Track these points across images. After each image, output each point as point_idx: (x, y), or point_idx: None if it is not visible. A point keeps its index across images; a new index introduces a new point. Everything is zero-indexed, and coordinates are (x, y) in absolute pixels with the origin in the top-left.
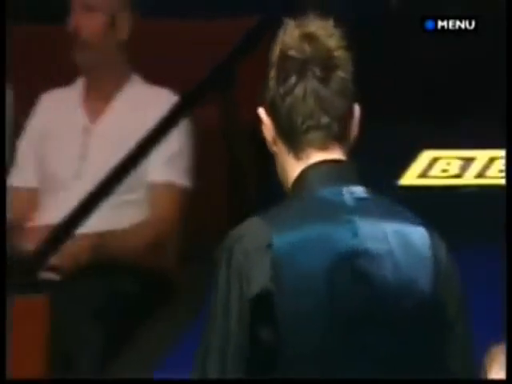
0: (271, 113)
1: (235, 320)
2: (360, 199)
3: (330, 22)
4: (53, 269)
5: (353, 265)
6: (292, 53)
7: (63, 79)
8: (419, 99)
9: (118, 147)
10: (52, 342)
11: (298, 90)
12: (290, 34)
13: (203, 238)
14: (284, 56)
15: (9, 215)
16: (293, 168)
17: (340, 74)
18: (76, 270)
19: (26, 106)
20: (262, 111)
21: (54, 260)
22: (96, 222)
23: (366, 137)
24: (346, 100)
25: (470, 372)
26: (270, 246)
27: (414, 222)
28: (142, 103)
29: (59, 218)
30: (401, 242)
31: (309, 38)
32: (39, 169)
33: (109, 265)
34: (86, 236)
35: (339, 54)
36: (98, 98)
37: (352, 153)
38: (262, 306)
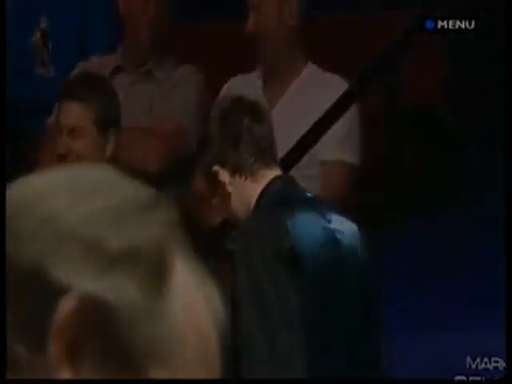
0: (223, 164)
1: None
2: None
3: None
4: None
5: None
6: (231, 115)
7: (246, 66)
8: None
9: (293, 128)
10: None
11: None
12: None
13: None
14: (225, 119)
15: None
16: (254, 192)
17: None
18: None
19: (212, 92)
20: (220, 172)
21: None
22: None
23: None
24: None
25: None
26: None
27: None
28: (317, 89)
29: None
30: (342, 228)
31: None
32: None
33: None
34: None
35: (262, 104)
36: (277, 83)
37: None
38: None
